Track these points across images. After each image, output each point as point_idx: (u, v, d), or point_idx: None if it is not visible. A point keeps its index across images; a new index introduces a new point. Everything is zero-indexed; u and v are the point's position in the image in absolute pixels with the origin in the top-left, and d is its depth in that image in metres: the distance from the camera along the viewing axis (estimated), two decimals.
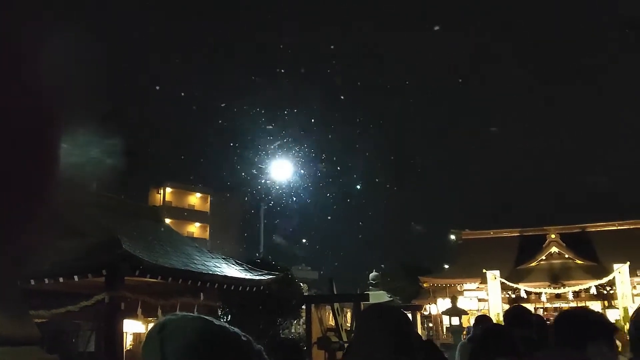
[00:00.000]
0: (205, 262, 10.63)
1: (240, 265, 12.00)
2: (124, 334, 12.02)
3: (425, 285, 32.73)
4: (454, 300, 25.37)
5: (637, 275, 26.28)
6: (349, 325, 19.33)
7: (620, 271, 26.41)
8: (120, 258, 8.97)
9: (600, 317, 2.75)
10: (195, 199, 58.02)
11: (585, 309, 2.85)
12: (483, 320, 6.33)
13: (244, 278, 11.06)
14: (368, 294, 14.87)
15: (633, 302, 26.05)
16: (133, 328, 12.91)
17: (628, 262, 26.39)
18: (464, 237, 36.52)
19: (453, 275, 32.05)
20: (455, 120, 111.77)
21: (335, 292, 14.69)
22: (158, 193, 54.88)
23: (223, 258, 11.71)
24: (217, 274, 10.08)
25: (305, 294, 19.58)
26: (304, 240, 43.82)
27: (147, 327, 12.00)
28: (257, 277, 11.51)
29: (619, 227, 32.84)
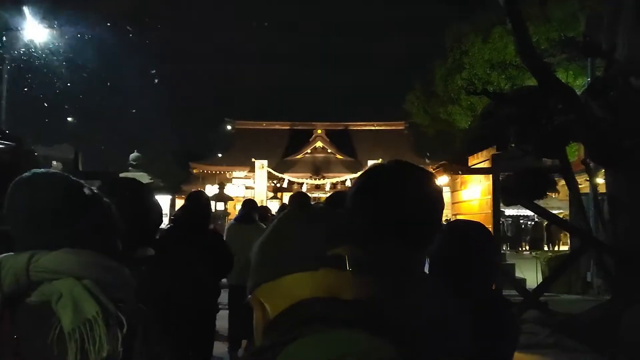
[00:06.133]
0: None
1: None
2: None
3: (195, 171, 32.84)
4: (221, 186, 25.84)
5: None
6: None
7: None
8: None
9: None
10: None
11: None
12: (248, 203, 6.80)
13: None
14: (117, 172, 13.93)
15: None
16: None
17: (380, 159, 28.93)
18: (237, 126, 36.84)
19: (223, 163, 32.46)
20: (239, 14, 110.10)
21: (80, 169, 13.44)
22: None
23: None
24: None
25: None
26: (68, 119, 39.10)
27: None
28: None
29: (376, 127, 35.92)
